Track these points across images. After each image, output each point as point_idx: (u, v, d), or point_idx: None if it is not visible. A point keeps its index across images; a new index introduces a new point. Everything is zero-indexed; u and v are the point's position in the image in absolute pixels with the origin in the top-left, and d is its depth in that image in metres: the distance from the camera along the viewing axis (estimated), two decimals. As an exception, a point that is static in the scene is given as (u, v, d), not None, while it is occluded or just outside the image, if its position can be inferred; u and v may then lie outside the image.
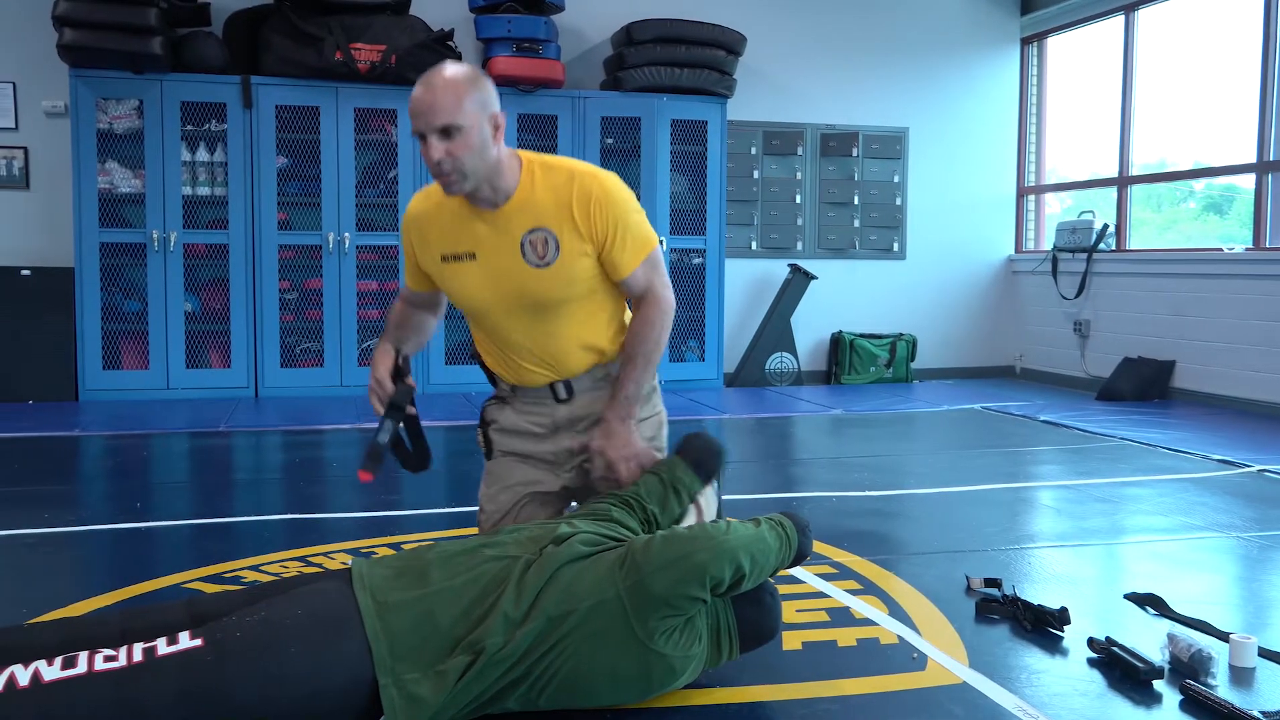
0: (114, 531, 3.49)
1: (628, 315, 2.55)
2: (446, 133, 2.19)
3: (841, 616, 2.55)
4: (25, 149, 6.63)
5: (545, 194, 2.34)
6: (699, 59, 7.00)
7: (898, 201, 7.98)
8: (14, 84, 6.57)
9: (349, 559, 3.00)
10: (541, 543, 2.03)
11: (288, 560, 3.01)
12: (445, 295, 2.59)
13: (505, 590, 1.90)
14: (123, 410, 6.04)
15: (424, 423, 2.55)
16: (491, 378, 2.63)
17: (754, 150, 7.68)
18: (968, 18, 8.07)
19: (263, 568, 2.95)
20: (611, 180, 2.38)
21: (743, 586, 1.98)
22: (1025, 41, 8.19)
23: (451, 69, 2.24)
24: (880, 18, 7.88)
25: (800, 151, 7.77)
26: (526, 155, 2.39)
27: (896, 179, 7.97)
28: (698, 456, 2.40)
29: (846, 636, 2.41)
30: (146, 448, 5.06)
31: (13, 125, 6.60)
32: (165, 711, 1.69)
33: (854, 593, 2.73)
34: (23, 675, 1.67)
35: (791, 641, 2.34)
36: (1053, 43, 8.12)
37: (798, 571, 2.84)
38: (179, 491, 4.35)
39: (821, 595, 2.71)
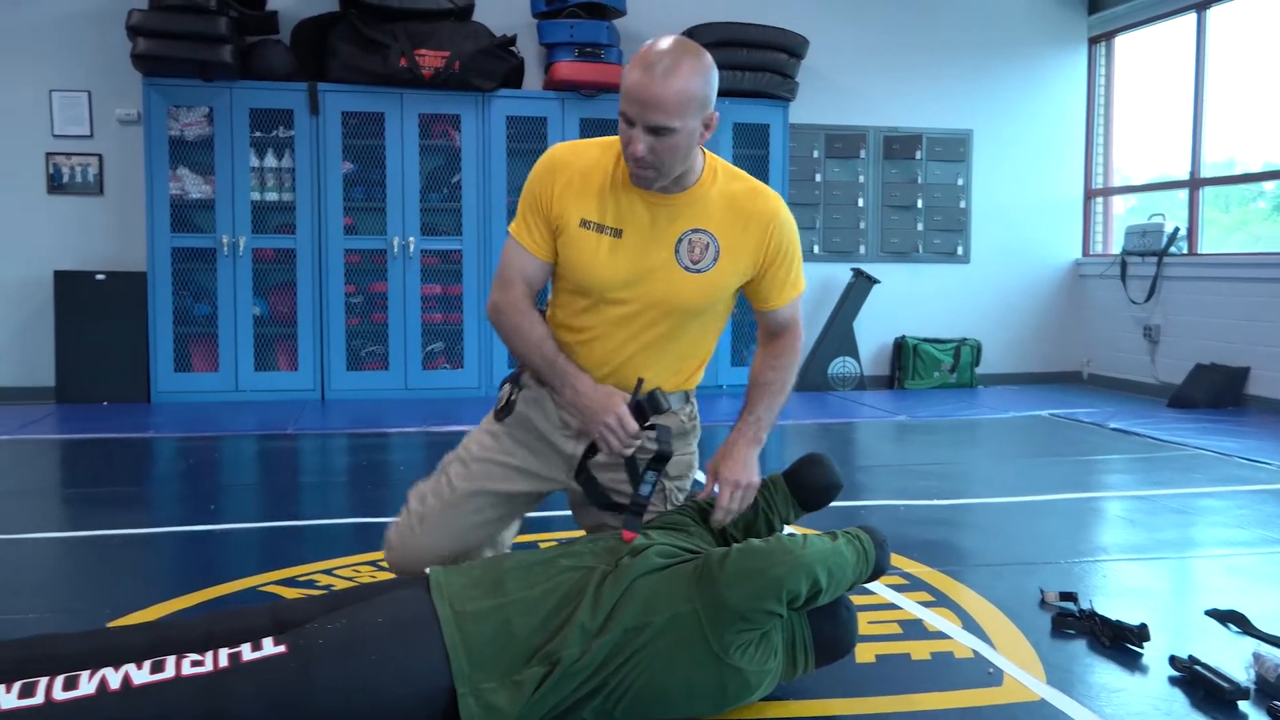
0: (189, 534, 3.56)
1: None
2: (657, 131, 2.02)
3: (914, 629, 2.53)
4: (100, 156, 6.78)
5: (721, 199, 2.19)
6: (760, 62, 6.97)
7: (961, 204, 7.89)
8: (89, 93, 6.72)
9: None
10: (618, 554, 2.03)
11: (359, 564, 3.04)
12: (548, 271, 2.29)
13: (582, 601, 1.90)
14: (193, 412, 6.15)
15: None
16: (520, 376, 2.40)
17: (816, 153, 7.64)
18: (1033, 17, 7.96)
19: (336, 571, 2.99)
20: (788, 209, 2.28)
21: (819, 601, 1.97)
22: (1093, 41, 8.06)
23: (683, 60, 2.02)
24: (944, 19, 7.80)
25: (863, 154, 7.71)
26: (709, 154, 2.24)
27: (960, 182, 7.88)
28: (804, 487, 2.28)
29: (920, 650, 2.39)
30: (217, 450, 5.15)
31: (88, 133, 6.75)
32: (250, 716, 1.72)
33: (926, 605, 2.71)
34: (114, 678, 1.71)
35: (865, 654, 2.32)
36: (1121, 41, 7.98)
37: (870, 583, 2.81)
38: (249, 494, 4.42)
39: (893, 607, 2.69)
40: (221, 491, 4.41)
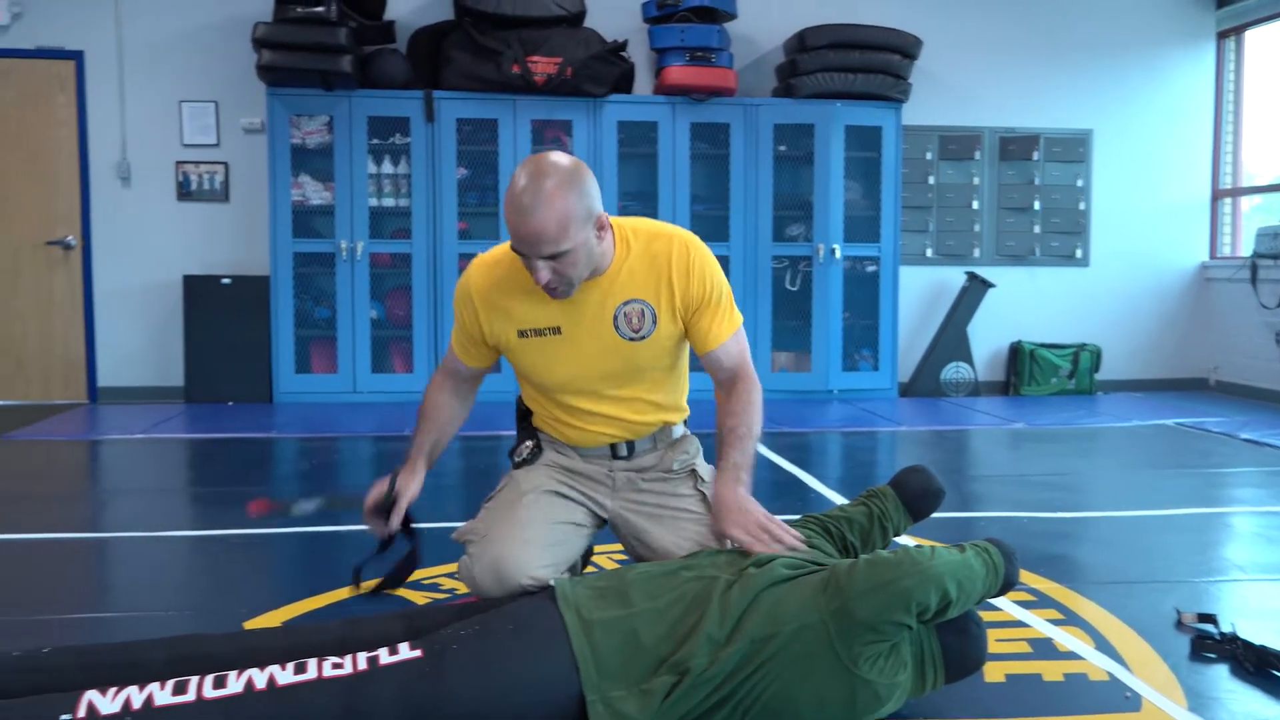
0: (314, 534, 3.65)
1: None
2: (554, 257, 2.11)
3: (1044, 648, 2.47)
4: (225, 164, 7.01)
5: (640, 263, 2.26)
6: (873, 64, 6.89)
7: (1081, 206, 7.68)
8: (216, 103, 6.96)
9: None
10: (740, 565, 2.03)
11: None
12: (488, 370, 2.53)
13: (708, 611, 1.90)
14: (313, 412, 6.32)
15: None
16: (533, 436, 2.54)
17: (929, 155, 7.51)
18: (1158, 12, 7.71)
19: (457, 575, 3.03)
20: (705, 246, 2.33)
21: (948, 614, 1.93)
22: (1221, 36, 7.77)
23: (548, 187, 2.06)
24: (1063, 15, 7.60)
25: (978, 156, 7.56)
26: (617, 224, 2.29)
27: (1080, 183, 7.67)
28: (913, 494, 2.34)
29: (1052, 670, 2.33)
30: (336, 450, 5.28)
31: (215, 142, 6.99)
32: (388, 718, 1.76)
33: (1056, 623, 2.64)
34: (259, 678, 1.77)
35: (994, 673, 2.27)
36: (1251, 36, 7.68)
37: (995, 598, 2.75)
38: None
39: (1021, 624, 2.63)
40: (344, 492, 4.52)
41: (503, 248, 2.30)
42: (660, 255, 2.26)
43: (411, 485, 2.47)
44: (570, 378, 2.32)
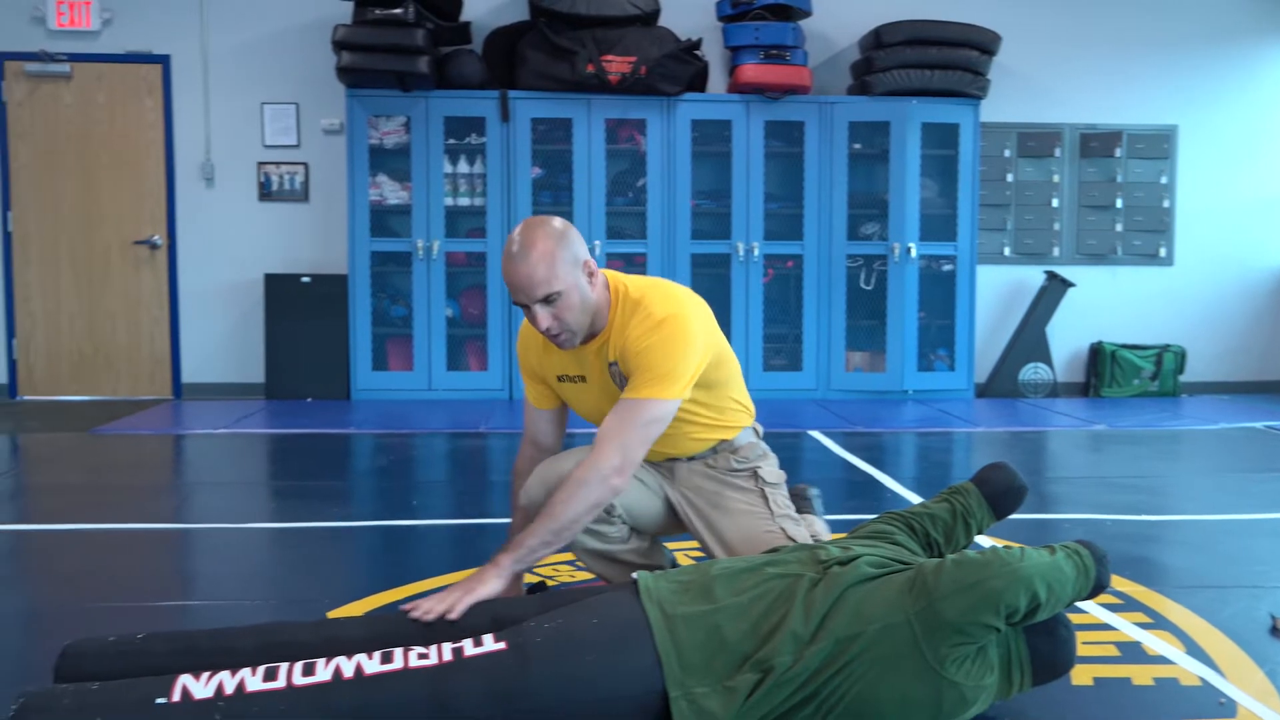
0: (393, 528, 3.70)
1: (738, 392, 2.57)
2: (548, 300, 2.25)
3: (1133, 652, 2.41)
4: (305, 165, 7.14)
5: (619, 330, 2.36)
6: (951, 60, 6.80)
7: (1165, 204, 7.50)
8: (296, 105, 7.09)
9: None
10: (824, 562, 2.01)
11: (558, 563, 3.10)
12: (561, 415, 2.63)
13: (792, 608, 1.89)
14: (389, 409, 6.41)
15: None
16: None
17: (1008, 153, 7.39)
18: (1245, 5, 7.50)
19: (535, 570, 3.05)
20: (671, 324, 2.29)
21: (1037, 616, 1.89)
22: (1314, 28, 7.54)
23: (536, 234, 2.25)
24: (1147, 8, 7.44)
25: (1058, 153, 7.42)
26: (615, 284, 2.39)
27: (1164, 180, 7.50)
28: (996, 491, 2.31)
29: (1141, 674, 2.28)
30: (413, 447, 5.35)
31: (295, 143, 7.12)
32: (472, 709, 1.77)
33: (1144, 626, 2.58)
34: (347, 666, 1.79)
35: (1081, 677, 2.23)
36: (1347, 29, 7.45)
37: (1081, 601, 2.70)
38: (445, 490, 4.57)
39: (1108, 627, 2.57)
40: (420, 488, 4.58)
41: None
42: (631, 329, 2.33)
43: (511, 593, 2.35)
44: (600, 418, 2.45)
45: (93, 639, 2.00)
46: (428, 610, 2.03)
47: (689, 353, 2.31)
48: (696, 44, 6.75)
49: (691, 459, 2.56)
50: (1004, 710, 2.03)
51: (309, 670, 1.79)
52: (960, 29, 6.81)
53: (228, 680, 1.77)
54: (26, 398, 7.10)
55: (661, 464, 2.57)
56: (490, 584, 2.12)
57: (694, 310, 2.36)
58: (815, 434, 5.62)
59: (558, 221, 2.31)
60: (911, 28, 6.77)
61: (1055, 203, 7.44)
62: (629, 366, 2.35)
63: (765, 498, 2.52)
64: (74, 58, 6.96)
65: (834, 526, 2.89)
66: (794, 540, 2.40)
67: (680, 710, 1.81)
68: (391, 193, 6.86)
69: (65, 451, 5.23)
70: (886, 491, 4.28)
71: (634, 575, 2.05)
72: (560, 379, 2.51)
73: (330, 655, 1.85)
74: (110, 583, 3.04)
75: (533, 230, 2.27)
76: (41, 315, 7.10)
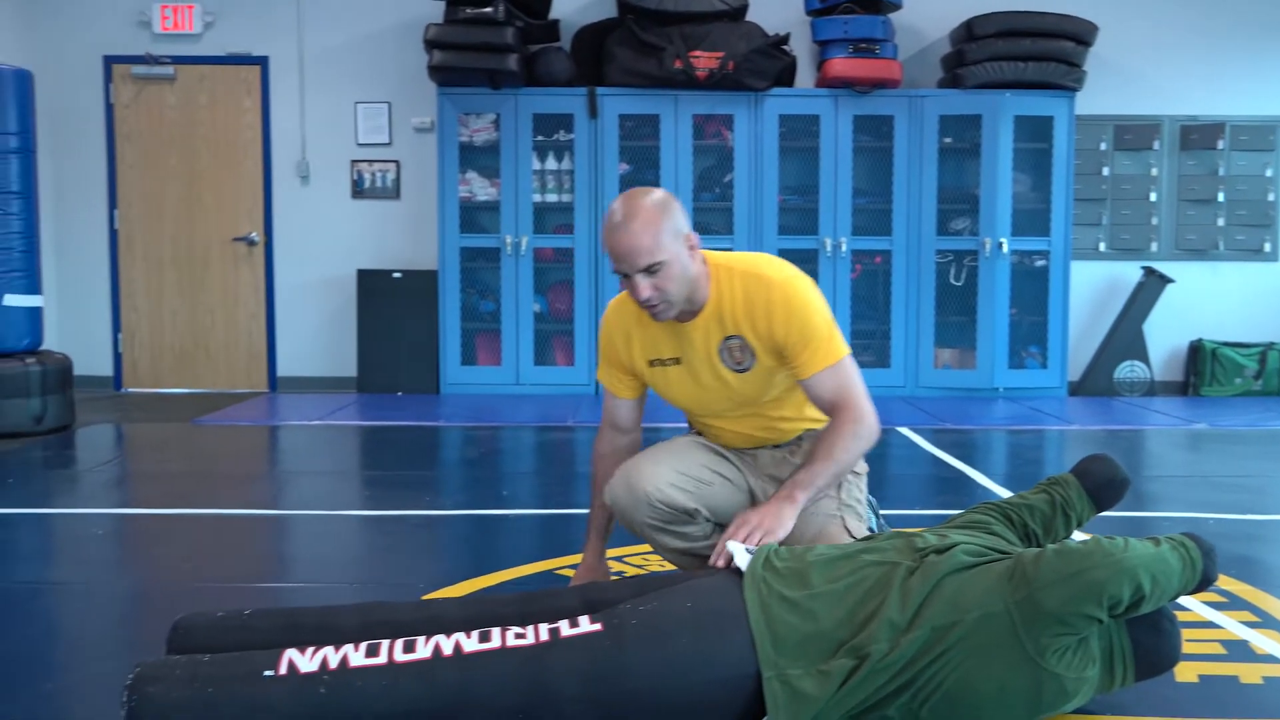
0: (484, 517, 3.76)
1: None
2: (650, 270, 2.22)
3: (1240, 650, 2.35)
4: (397, 162, 7.26)
5: (737, 300, 2.35)
6: (1045, 51, 6.67)
7: (1270, 198, 7.26)
8: (389, 104, 7.22)
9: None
10: (920, 550, 1.99)
11: (647, 554, 3.11)
12: (641, 403, 2.60)
13: (888, 596, 1.88)
14: (478, 403, 6.50)
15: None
16: None
17: (1103, 146, 7.23)
18: (1359, -9, 7.24)
19: (626, 559, 3.07)
20: (797, 286, 2.35)
21: (1141, 609, 1.85)
22: None
23: (641, 204, 2.24)
24: (1252, -4, 7.22)
25: (1156, 146, 7.23)
26: (713, 260, 2.39)
27: (1269, 173, 7.25)
28: (1097, 483, 2.26)
29: (1250, 673, 2.21)
30: (501, 439, 5.41)
31: (387, 141, 7.25)
32: (567, 689, 1.79)
33: (1250, 625, 2.51)
34: (446, 645, 1.83)
35: (1185, 673, 2.17)
36: None
37: (1184, 598, 2.63)
38: (534, 481, 4.62)
39: (1213, 625, 2.51)
40: (509, 478, 4.64)
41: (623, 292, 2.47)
42: (755, 298, 2.33)
43: (597, 575, 2.55)
44: (694, 402, 2.49)
45: (202, 613, 2.07)
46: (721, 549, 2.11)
47: (826, 310, 2.37)
48: (784, 39, 6.72)
49: (776, 447, 2.55)
50: (1106, 704, 1.99)
51: (409, 647, 1.82)
52: (1055, 19, 6.68)
53: (331, 655, 1.81)
54: (131, 390, 7.35)
55: (746, 452, 2.57)
56: (789, 522, 2.22)
57: (803, 275, 2.42)
58: (903, 430, 5.56)
59: (660, 192, 2.30)
60: (1004, 19, 6.65)
61: (1153, 197, 7.26)
62: (781, 346, 2.32)
63: (840, 503, 2.47)
64: (177, 60, 7.18)
65: (924, 522, 2.86)
66: (851, 534, 2.38)
67: (773, 691, 1.81)
68: (481, 189, 6.95)
69: (168, 441, 5.40)
70: (978, 487, 4.22)
71: (731, 554, 2.04)
72: (652, 363, 2.47)
73: (431, 633, 1.89)
74: (213, 564, 3.14)
75: (636, 200, 2.25)
76: (145, 311, 7.34)
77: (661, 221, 2.22)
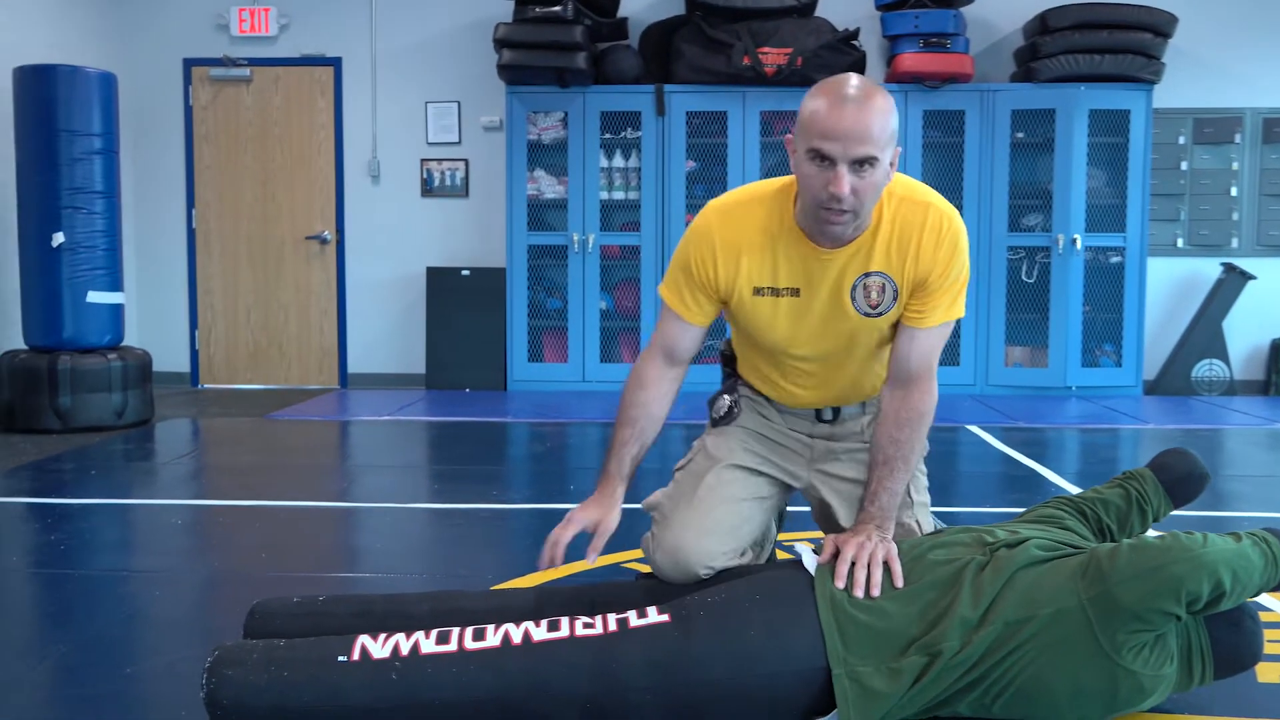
0: (550, 510, 3.77)
1: None
2: (861, 164, 1.88)
3: (1324, 653, 2.28)
4: (466, 161, 7.34)
5: (891, 230, 2.03)
6: (1122, 44, 6.54)
7: (1357, 192, 7.06)
8: (458, 103, 7.30)
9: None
10: (990, 545, 1.96)
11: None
12: (705, 336, 2.23)
13: (960, 592, 1.85)
14: (544, 400, 6.54)
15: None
16: (734, 390, 2.36)
17: (1182, 139, 7.07)
18: None
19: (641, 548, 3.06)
20: (960, 221, 2.08)
21: (1221, 605, 1.81)
22: None
23: (875, 89, 1.92)
24: (1339, -15, 7.01)
25: (1237, 139, 7.06)
26: None
27: (1356, 166, 7.05)
28: (1174, 477, 2.21)
29: (1335, 675, 2.16)
30: (568, 435, 5.44)
31: (456, 140, 7.33)
32: (635, 679, 1.80)
33: (1336, 627, 2.44)
34: (515, 633, 1.84)
35: (1267, 673, 2.12)
36: None
37: (1265, 598, 2.57)
38: (599, 476, 4.62)
39: (1295, 626, 2.44)
40: (576, 474, 4.66)
41: (741, 196, 2.13)
42: (912, 224, 2.03)
43: (610, 519, 2.19)
44: (796, 341, 2.14)
45: (278, 599, 2.11)
46: (856, 580, 1.89)
47: (967, 260, 2.11)
48: (854, 34, 6.67)
49: (835, 422, 2.28)
50: (1183, 702, 1.95)
51: (479, 635, 1.84)
52: (1133, 11, 6.54)
53: (403, 642, 1.84)
54: (207, 386, 7.51)
55: (799, 448, 2.30)
56: (881, 552, 1.94)
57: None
58: (973, 429, 5.49)
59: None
60: (1080, 11, 6.54)
61: (1234, 191, 7.08)
62: (925, 283, 2.04)
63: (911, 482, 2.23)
64: (253, 62, 7.32)
65: (994, 520, 2.81)
66: (921, 529, 2.23)
67: (843, 688, 1.80)
68: (548, 187, 6.99)
69: (242, 435, 5.51)
70: (1049, 485, 4.15)
71: (800, 555, 2.03)
72: (758, 291, 2.10)
73: (499, 623, 1.91)
74: (286, 554, 3.20)
75: (872, 85, 1.93)
76: (221, 308, 7.50)
77: (892, 116, 1.91)
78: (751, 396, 2.34)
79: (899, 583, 1.90)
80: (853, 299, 2.07)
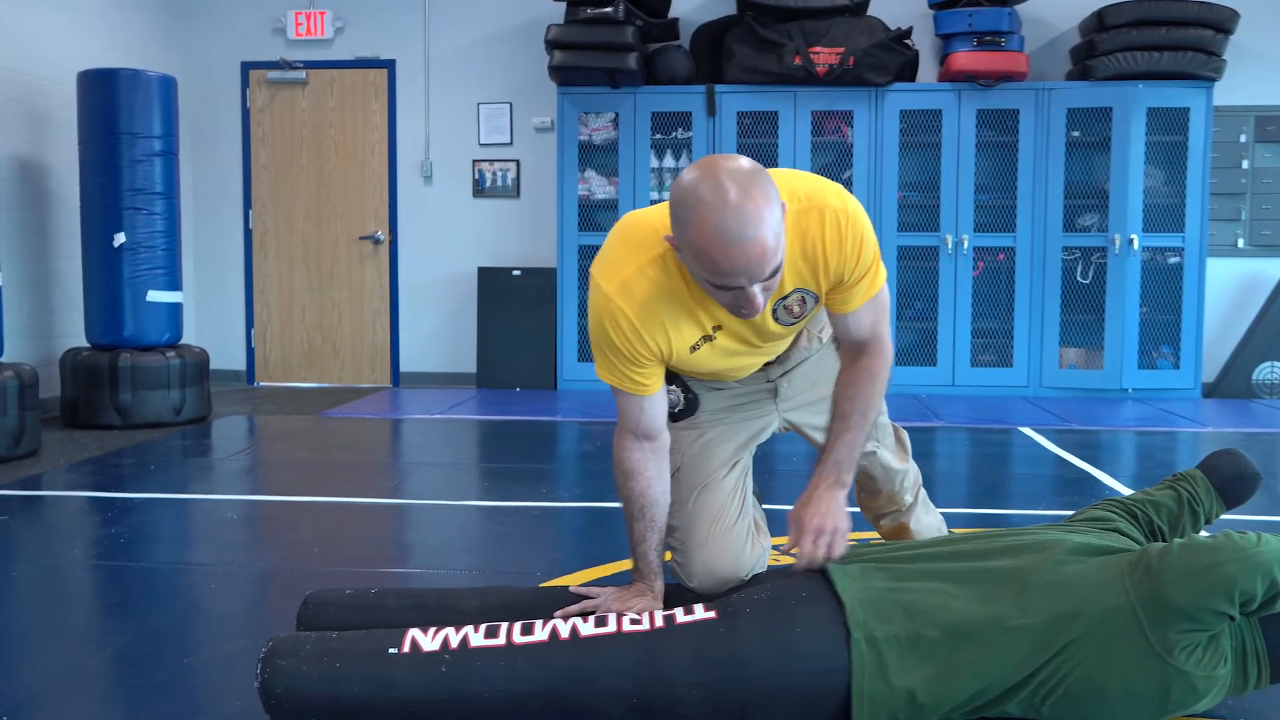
0: (598, 509, 3.80)
1: None
2: (770, 276, 1.79)
3: (1386, 660, 2.23)
4: (517, 161, 7.39)
5: (796, 247, 1.94)
6: (1181, 40, 6.43)
7: None
8: (510, 104, 7.35)
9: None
10: (1035, 546, 1.95)
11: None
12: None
13: (1003, 592, 1.84)
14: (594, 399, 6.56)
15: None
16: (678, 380, 2.29)
17: (1243, 138, 6.94)
18: None
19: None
20: (855, 207, 1.98)
21: (1276, 606, 1.78)
22: None
23: (748, 190, 1.73)
24: None
25: (1301, 137, 6.92)
26: None
27: None
28: (1225, 478, 2.19)
29: (1397, 683, 2.11)
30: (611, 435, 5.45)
31: (508, 140, 7.38)
32: (680, 673, 1.81)
33: (1398, 635, 2.38)
34: (563, 628, 1.86)
35: (1326, 681, 2.08)
36: None
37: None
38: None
39: (1356, 633, 2.39)
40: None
41: (624, 266, 1.97)
42: (812, 235, 1.94)
43: (658, 609, 2.07)
44: (727, 366, 2.12)
45: (331, 590, 2.15)
46: (811, 560, 1.98)
47: (872, 230, 2.03)
48: (906, 33, 6.63)
49: (785, 363, 2.30)
50: (1238, 707, 1.92)
51: (528, 630, 1.86)
52: (1193, 7, 6.43)
53: (453, 635, 1.86)
54: (262, 384, 7.63)
55: (764, 396, 2.30)
56: (845, 509, 2.03)
57: (845, 191, 2.04)
58: (1026, 430, 5.43)
59: (746, 161, 1.80)
60: (1139, 8, 6.43)
61: (1297, 191, 6.94)
62: (842, 280, 2.00)
63: None
64: (309, 65, 7.42)
65: (1046, 522, 2.78)
66: (886, 465, 2.37)
67: (859, 652, 1.80)
68: (599, 187, 7.02)
69: (297, 432, 5.59)
70: (1103, 488, 4.10)
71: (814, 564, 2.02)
72: (694, 348, 2.03)
73: (548, 618, 1.93)
74: (339, 549, 3.24)
75: (737, 182, 1.74)
76: (276, 307, 7.62)
77: (774, 207, 1.75)
78: (700, 381, 2.29)
79: (836, 556, 2.02)
80: (776, 317, 2.03)
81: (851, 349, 2.14)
